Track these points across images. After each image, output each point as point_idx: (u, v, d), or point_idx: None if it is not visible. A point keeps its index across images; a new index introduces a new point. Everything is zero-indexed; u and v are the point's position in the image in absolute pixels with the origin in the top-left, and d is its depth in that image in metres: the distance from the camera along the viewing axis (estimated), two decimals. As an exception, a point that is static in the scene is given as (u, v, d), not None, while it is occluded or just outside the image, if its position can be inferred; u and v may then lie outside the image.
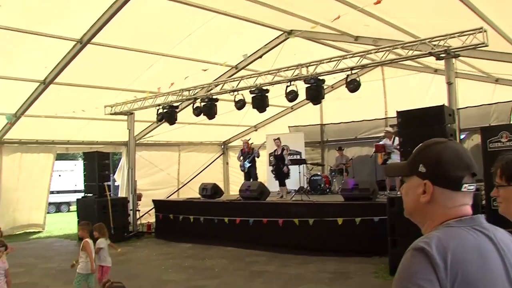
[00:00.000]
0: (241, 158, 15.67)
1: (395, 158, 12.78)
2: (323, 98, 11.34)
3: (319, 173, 16.09)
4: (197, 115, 13.19)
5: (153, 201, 15.69)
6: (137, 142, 16.94)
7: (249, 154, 15.57)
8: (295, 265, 10.01)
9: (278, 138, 15.07)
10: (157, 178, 18.37)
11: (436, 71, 14.23)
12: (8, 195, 15.80)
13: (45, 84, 12.91)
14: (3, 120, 14.19)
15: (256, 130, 20.23)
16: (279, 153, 14.83)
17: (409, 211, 1.76)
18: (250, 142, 15.90)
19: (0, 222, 14.39)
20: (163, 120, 14.15)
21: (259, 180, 15.21)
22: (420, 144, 1.75)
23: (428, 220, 1.69)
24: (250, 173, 15.60)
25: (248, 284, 8.59)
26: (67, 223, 20.01)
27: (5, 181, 15.76)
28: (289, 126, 19.28)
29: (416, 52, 9.61)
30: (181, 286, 8.59)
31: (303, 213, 11.47)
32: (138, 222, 16.04)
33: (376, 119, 16.92)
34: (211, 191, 14.47)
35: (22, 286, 8.95)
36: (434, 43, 9.25)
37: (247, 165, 15.46)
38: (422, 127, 8.39)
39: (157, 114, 14.07)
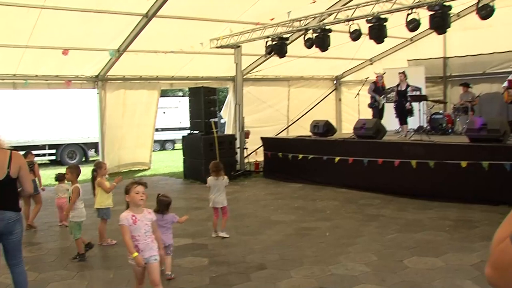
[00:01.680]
0: (372, 91, 15.25)
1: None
2: (449, 27, 10.72)
3: (440, 111, 15.47)
4: (309, 47, 13.02)
5: (262, 138, 15.98)
6: (245, 77, 17.13)
7: (383, 89, 15.10)
8: (412, 210, 9.90)
9: (403, 72, 14.55)
10: (266, 114, 18.59)
11: None
12: (113, 132, 16.82)
13: (148, 17, 13.17)
14: (106, 56, 14.85)
15: (371, 64, 19.70)
16: (403, 88, 14.35)
17: None
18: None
19: (106, 159, 15.43)
20: (272, 53, 14.13)
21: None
22: None
23: None
24: (382, 110, 15.20)
25: (361, 228, 8.64)
26: (172, 161, 21.01)
27: (110, 118, 16.72)
28: (408, 60, 18.55)
29: None
30: (290, 228, 8.81)
31: (422, 154, 11.19)
32: (246, 160, 16.51)
33: (509, 51, 15.79)
34: (323, 128, 14.42)
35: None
36: None
37: (383, 101, 15.05)
38: None
39: (265, 46, 14.06)
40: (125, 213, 5.04)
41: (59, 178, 9.64)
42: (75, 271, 6.66)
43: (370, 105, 15.40)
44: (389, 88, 15.60)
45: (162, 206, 6.41)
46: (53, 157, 23.03)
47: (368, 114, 15.29)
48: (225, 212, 8.35)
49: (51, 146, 22.72)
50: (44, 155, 22.71)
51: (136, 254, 4.84)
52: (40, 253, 7.72)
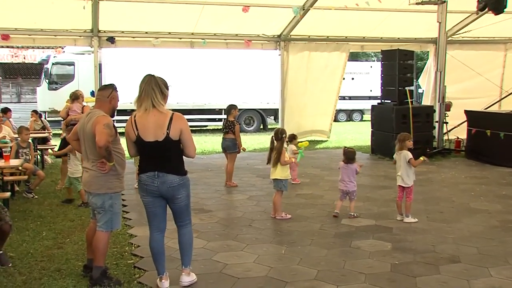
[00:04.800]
0: None
1: None
2: None
3: None
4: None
5: (466, 112, 15.35)
6: (449, 39, 16.54)
7: None
8: None
9: None
10: (473, 84, 17.84)
11: None
12: (294, 99, 17.35)
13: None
14: (290, 14, 15.19)
15: None
16: None
17: None
18: None
19: (285, 128, 15.86)
20: (486, 10, 13.43)
21: None
22: None
23: None
24: None
25: None
26: (359, 133, 21.06)
27: (292, 83, 17.23)
28: None
29: None
30: (493, 219, 8.45)
31: None
32: (445, 137, 16.06)
33: None
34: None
35: (307, 197, 9.95)
36: None
37: None
38: None
39: (477, 1, 13.40)
40: None
41: (290, 139, 10.96)
42: (245, 243, 7.05)
43: None
44: None
45: (348, 157, 8.46)
46: (229, 123, 24.26)
47: None
48: (408, 194, 8.30)
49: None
50: (219, 120, 24.05)
51: None
52: (211, 221, 8.28)
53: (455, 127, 16.45)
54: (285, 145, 9.55)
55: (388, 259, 6.42)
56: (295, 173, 11.28)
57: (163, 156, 5.26)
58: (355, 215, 8.37)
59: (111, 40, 15.05)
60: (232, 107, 11.23)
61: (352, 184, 8.43)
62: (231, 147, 11.03)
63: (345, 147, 8.97)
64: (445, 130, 16.01)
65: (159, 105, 5.21)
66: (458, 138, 16.08)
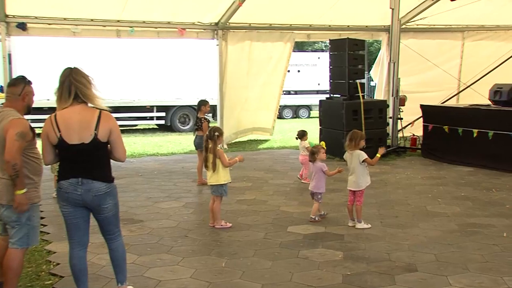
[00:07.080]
0: None
1: None
2: None
3: None
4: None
5: (421, 106, 15.64)
6: (403, 26, 16.82)
7: None
8: None
9: None
10: (429, 76, 18.17)
11: None
12: (234, 94, 17.34)
13: None
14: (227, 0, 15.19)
15: None
16: None
17: None
18: None
19: (224, 126, 15.90)
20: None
21: None
22: None
23: None
24: None
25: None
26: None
27: (232, 76, 17.21)
28: None
29: None
30: (452, 222, 8.63)
31: None
32: (400, 134, 16.32)
33: None
34: (509, 95, 13.82)
35: (249, 203, 10.00)
36: None
37: None
38: None
39: (432, -14, 13.69)
40: None
41: (300, 135, 12.18)
42: (180, 256, 7.00)
43: None
44: None
45: (310, 155, 8.97)
46: (161, 121, 24.05)
47: None
48: (358, 197, 8.40)
49: (159, 108, 23.74)
50: (151, 118, 23.81)
51: None
52: (142, 233, 8.19)
53: (410, 124, 16.74)
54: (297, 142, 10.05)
55: (339, 270, 6.48)
56: (305, 172, 11.97)
57: (89, 161, 5.10)
58: (317, 218, 8.64)
59: (22, 26, 14.52)
60: (202, 102, 11.89)
61: (313, 184, 8.81)
62: (201, 145, 11.13)
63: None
64: (399, 127, 16.27)
65: (86, 98, 5.09)
66: (413, 135, 16.37)
